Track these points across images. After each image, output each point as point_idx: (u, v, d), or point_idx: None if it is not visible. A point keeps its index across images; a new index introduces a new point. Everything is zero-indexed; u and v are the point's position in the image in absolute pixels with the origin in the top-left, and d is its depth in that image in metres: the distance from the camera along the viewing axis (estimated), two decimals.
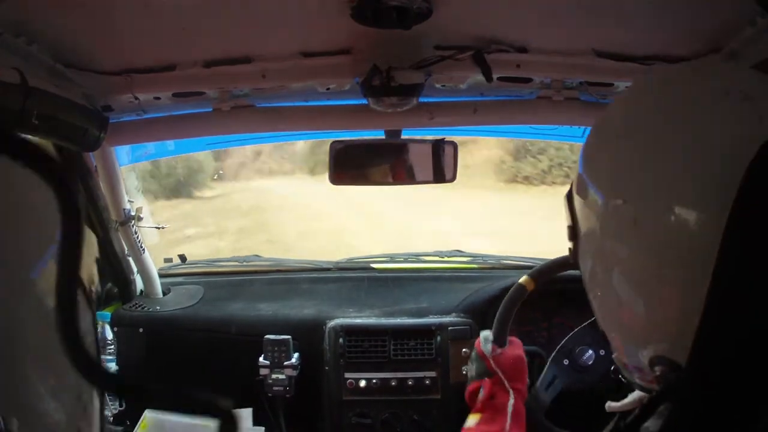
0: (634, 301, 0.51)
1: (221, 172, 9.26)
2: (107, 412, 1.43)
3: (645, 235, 0.49)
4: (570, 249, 0.61)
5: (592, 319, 1.26)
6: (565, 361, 1.29)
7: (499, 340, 1.13)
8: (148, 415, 1.41)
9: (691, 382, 0.44)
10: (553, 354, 1.30)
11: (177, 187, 8.22)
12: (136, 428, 1.40)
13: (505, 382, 1.07)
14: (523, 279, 1.20)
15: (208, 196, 8.88)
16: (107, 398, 1.41)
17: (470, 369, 1.15)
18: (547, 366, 1.29)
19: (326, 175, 1.31)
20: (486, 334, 1.15)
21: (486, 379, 1.09)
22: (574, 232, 0.59)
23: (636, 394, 0.65)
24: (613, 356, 0.60)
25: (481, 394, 1.07)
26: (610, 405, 0.73)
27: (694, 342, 0.44)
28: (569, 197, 0.60)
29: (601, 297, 0.57)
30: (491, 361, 1.10)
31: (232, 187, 9.23)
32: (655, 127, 0.51)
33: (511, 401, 1.05)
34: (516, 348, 1.14)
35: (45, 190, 0.49)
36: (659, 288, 0.49)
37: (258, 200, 8.61)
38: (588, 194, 0.55)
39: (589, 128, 1.55)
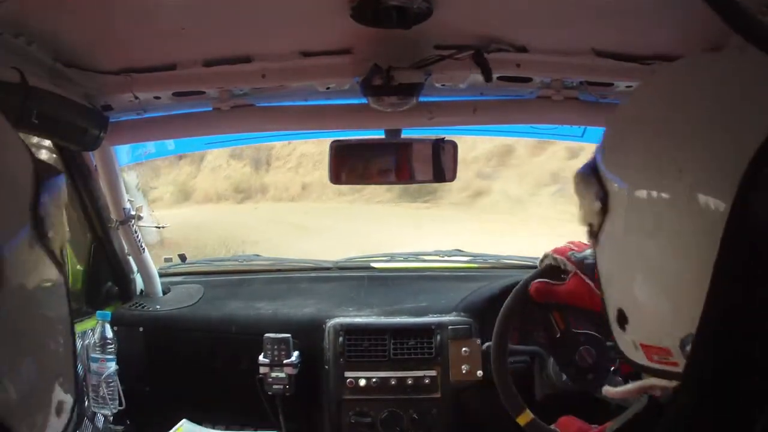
0: (661, 287, 0.53)
1: None
2: (107, 411, 1.43)
3: (670, 220, 0.51)
4: (591, 225, 0.60)
5: (588, 318, 1.28)
6: (570, 361, 1.29)
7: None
8: (185, 426, 1.40)
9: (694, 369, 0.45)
10: (556, 354, 1.29)
11: None
12: None
13: None
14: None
15: None
16: (84, 395, 1.41)
17: None
18: (551, 368, 1.28)
19: None
20: None
21: None
22: (605, 205, 0.58)
23: (637, 383, 0.65)
24: (623, 339, 0.59)
25: None
26: (608, 390, 0.71)
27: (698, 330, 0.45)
28: (594, 168, 0.60)
29: (623, 283, 0.57)
30: None
31: None
32: (674, 117, 0.53)
33: None
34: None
35: (19, 153, 0.49)
36: (684, 273, 0.50)
37: None
38: (611, 186, 0.56)
39: (588, 128, 1.56)
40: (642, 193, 0.54)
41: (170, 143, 1.61)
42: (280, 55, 1.10)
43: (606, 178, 0.58)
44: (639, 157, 0.55)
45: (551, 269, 1.19)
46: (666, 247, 0.52)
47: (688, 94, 0.54)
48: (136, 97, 1.20)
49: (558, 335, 1.28)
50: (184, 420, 1.42)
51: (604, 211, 0.58)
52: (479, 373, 1.41)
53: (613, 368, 1.25)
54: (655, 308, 0.55)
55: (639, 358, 0.58)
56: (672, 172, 0.51)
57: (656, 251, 0.53)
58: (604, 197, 0.58)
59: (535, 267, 1.30)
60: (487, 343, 1.35)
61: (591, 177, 0.59)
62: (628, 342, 0.59)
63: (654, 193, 0.53)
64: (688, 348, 0.50)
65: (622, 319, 0.58)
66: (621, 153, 0.58)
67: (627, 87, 1.17)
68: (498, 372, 1.22)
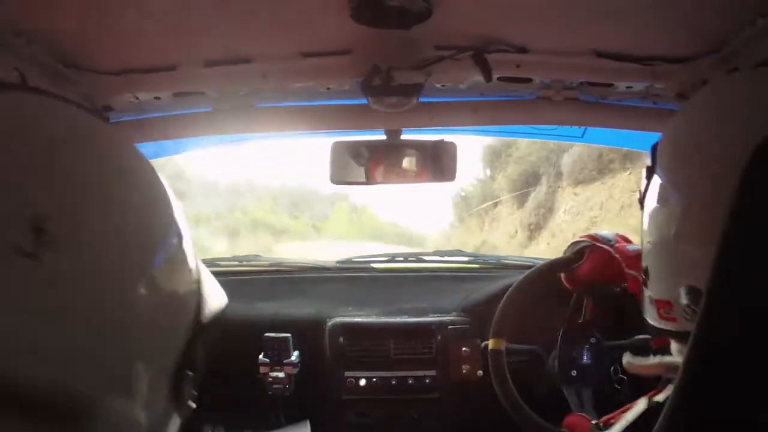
0: (665, 239, 0.61)
1: None
2: None
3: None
4: (640, 191, 0.69)
5: (567, 322, 1.29)
6: (573, 372, 1.29)
7: None
8: None
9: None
10: (559, 375, 1.29)
11: None
12: None
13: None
14: (491, 344, 1.25)
15: None
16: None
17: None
18: (565, 392, 1.28)
19: None
20: None
21: None
22: (650, 174, 0.66)
23: (657, 358, 0.67)
24: (646, 299, 0.66)
25: None
26: (630, 361, 0.74)
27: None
28: (653, 149, 0.67)
29: (654, 243, 0.64)
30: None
31: None
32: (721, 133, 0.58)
33: None
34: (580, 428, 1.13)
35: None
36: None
37: None
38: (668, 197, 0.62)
39: (588, 128, 1.56)
40: (677, 178, 0.62)
41: (170, 143, 1.61)
42: (280, 56, 1.10)
43: (656, 155, 0.65)
44: (675, 165, 0.63)
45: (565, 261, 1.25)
46: (675, 204, 0.60)
47: (724, 110, 0.61)
48: (136, 98, 1.20)
49: (579, 321, 1.29)
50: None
51: (648, 179, 0.66)
52: (479, 373, 1.42)
53: (612, 369, 1.25)
54: (661, 260, 0.63)
55: (653, 317, 0.64)
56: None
57: (668, 208, 0.61)
58: (650, 169, 0.66)
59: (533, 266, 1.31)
60: (485, 342, 1.36)
61: (651, 151, 0.67)
62: (648, 301, 0.65)
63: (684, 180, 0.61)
64: (685, 298, 0.57)
65: (647, 276, 0.66)
66: (667, 142, 0.65)
67: (627, 88, 1.18)
68: (495, 369, 1.22)
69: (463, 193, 8.20)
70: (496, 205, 7.81)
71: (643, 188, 0.68)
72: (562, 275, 1.25)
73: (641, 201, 0.68)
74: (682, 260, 0.59)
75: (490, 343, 1.25)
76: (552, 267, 1.28)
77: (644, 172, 0.67)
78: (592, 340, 1.29)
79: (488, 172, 8.03)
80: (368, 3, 0.89)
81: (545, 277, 1.28)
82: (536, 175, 7.36)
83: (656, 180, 0.64)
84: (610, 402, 1.16)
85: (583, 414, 1.16)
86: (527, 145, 7.15)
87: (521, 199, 7.41)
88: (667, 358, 0.67)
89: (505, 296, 1.28)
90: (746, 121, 0.56)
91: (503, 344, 1.24)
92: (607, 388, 1.26)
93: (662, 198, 0.63)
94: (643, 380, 0.74)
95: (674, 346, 0.65)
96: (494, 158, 7.81)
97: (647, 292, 0.66)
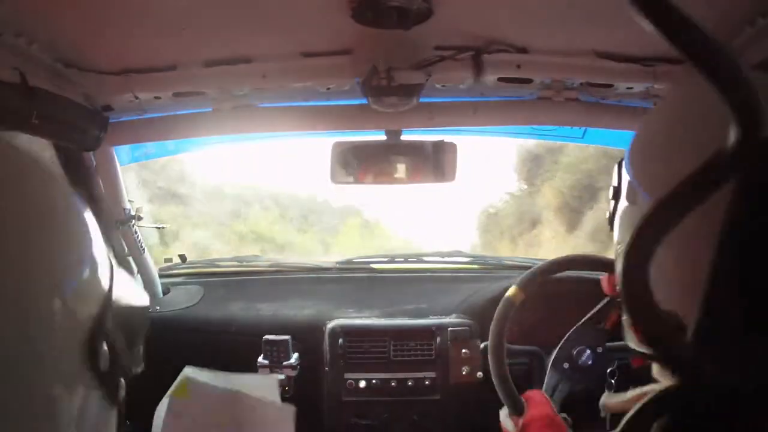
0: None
1: None
2: None
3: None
4: (609, 212, 0.66)
5: (585, 318, 1.28)
6: (565, 365, 1.29)
7: (515, 408, 1.11)
8: (189, 375, 1.33)
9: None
10: (551, 359, 1.29)
11: None
12: (172, 388, 1.35)
13: None
14: (510, 291, 1.20)
15: None
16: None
17: None
18: (547, 372, 1.28)
19: None
20: (505, 412, 1.12)
21: None
22: (616, 194, 0.64)
23: (635, 391, 0.65)
24: (623, 319, 0.64)
25: None
26: (605, 403, 0.72)
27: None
28: (619, 165, 0.64)
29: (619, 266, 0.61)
30: None
31: None
32: (694, 132, 0.55)
33: None
34: (539, 406, 1.09)
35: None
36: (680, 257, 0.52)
37: None
38: (636, 198, 0.60)
39: (588, 129, 1.55)
40: (640, 190, 0.58)
41: (170, 144, 1.61)
42: (281, 56, 1.10)
43: (622, 171, 0.63)
44: (643, 162, 0.59)
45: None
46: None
47: (684, 109, 0.58)
48: (137, 98, 1.20)
49: (598, 327, 1.28)
50: (186, 368, 1.35)
51: (615, 199, 0.64)
52: (479, 374, 1.41)
53: (609, 370, 1.25)
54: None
55: (632, 340, 0.62)
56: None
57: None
58: (617, 187, 0.63)
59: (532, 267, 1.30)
60: (484, 343, 1.35)
61: (617, 167, 0.65)
62: (626, 324, 0.63)
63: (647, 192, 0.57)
64: None
65: (622, 300, 0.62)
66: (633, 152, 0.62)
67: (627, 89, 1.17)
68: (496, 364, 1.21)
69: (492, 210, 6.34)
70: (534, 225, 6.11)
71: (610, 208, 0.65)
72: (603, 278, 1.22)
73: (610, 221, 0.65)
74: (655, 282, 0.58)
75: (510, 290, 1.22)
76: (597, 260, 1.25)
77: (611, 192, 0.64)
78: (599, 349, 1.28)
79: (524, 185, 6.19)
80: (368, 3, 0.89)
81: (586, 266, 1.27)
82: (592, 189, 5.73)
83: (623, 200, 0.61)
84: (578, 408, 1.16)
85: (549, 399, 1.15)
86: (579, 150, 5.46)
87: (571, 221, 5.92)
88: (645, 387, 0.65)
89: (547, 262, 1.25)
90: (705, 121, 0.55)
91: (520, 297, 1.20)
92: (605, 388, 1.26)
93: (630, 211, 0.59)
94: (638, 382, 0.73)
95: (655, 368, 0.63)
96: (535, 166, 6.11)
97: (624, 315, 0.63)
